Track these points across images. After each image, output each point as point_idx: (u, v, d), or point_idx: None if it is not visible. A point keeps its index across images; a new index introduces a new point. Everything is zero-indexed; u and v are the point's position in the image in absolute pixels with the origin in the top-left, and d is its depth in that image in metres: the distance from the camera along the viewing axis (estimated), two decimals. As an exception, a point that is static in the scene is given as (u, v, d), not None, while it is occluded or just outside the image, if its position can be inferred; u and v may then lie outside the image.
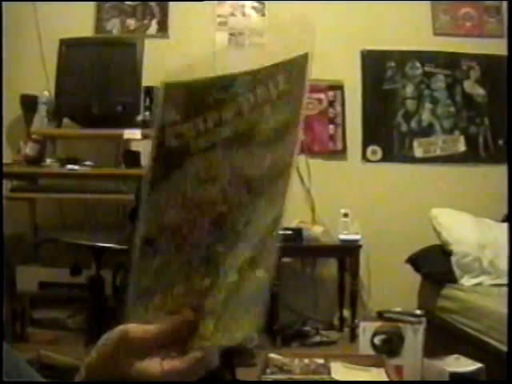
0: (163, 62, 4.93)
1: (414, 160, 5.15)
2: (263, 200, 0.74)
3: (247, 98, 0.72)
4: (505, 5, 5.12)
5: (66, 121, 4.70)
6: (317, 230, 4.69)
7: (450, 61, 5.20)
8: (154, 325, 0.67)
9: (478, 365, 3.10)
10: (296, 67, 0.74)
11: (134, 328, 0.67)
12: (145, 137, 4.39)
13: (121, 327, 0.68)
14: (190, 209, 0.71)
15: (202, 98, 0.72)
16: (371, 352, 3.30)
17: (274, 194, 0.75)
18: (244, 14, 5.17)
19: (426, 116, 5.19)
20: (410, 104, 5.19)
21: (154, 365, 0.66)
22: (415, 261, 4.25)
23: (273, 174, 0.73)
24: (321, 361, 2.99)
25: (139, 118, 4.60)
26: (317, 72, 4.90)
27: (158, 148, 0.72)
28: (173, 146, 0.71)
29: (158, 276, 0.71)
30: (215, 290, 0.70)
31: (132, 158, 4.43)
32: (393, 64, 5.19)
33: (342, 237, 4.63)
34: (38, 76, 4.87)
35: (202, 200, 0.71)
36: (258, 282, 0.73)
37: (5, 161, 4.38)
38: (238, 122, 0.72)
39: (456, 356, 3.22)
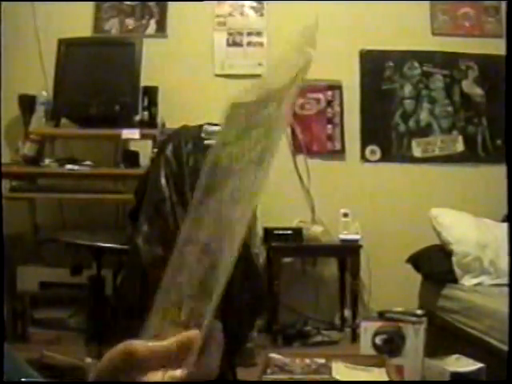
0: (162, 61, 4.93)
1: (412, 160, 5.15)
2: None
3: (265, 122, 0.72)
4: (504, 5, 5.13)
5: (64, 121, 4.69)
6: (317, 229, 4.69)
7: (449, 61, 5.21)
8: (159, 342, 0.66)
9: (479, 365, 3.10)
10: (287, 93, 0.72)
11: (140, 345, 0.66)
12: (143, 136, 4.39)
13: (126, 343, 0.67)
14: (219, 227, 0.70)
15: (249, 117, 0.73)
16: (372, 352, 3.30)
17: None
18: (243, 14, 5.16)
19: (424, 116, 5.19)
20: (409, 104, 5.20)
21: (155, 378, 0.66)
22: (415, 261, 4.25)
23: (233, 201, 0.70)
24: (322, 361, 2.99)
25: (137, 117, 4.59)
26: (315, 72, 4.91)
27: (212, 166, 0.72)
28: (223, 165, 0.71)
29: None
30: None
31: (131, 158, 4.43)
32: (391, 64, 5.19)
33: (342, 236, 4.64)
34: (36, 76, 4.86)
35: (231, 220, 0.70)
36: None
37: (3, 161, 4.37)
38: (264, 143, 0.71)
39: (457, 356, 3.22)
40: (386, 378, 2.87)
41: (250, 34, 5.14)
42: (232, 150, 0.71)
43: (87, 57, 4.65)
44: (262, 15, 5.15)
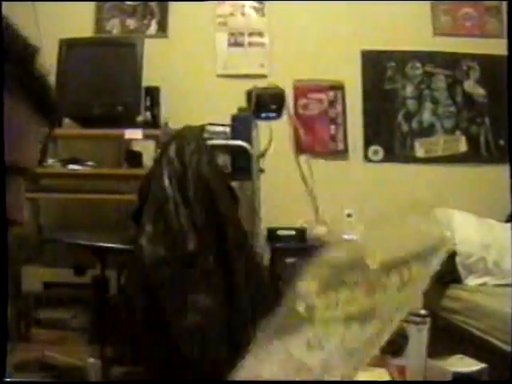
0: (163, 62, 4.93)
1: (415, 160, 5.14)
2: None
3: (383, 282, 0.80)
4: (505, 5, 5.12)
5: (66, 121, 4.68)
6: (320, 230, 4.68)
7: (450, 61, 5.20)
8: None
9: (482, 365, 3.08)
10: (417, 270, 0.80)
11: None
12: (146, 137, 4.39)
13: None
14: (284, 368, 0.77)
15: (339, 274, 0.81)
16: (375, 352, 3.28)
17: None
18: (244, 14, 5.16)
19: (426, 116, 5.19)
20: (411, 104, 5.19)
21: None
22: (418, 261, 4.24)
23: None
24: (325, 361, 2.97)
25: (140, 118, 4.59)
26: (317, 72, 4.91)
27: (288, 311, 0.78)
28: (300, 312, 0.79)
29: None
30: None
31: (134, 158, 4.43)
32: (393, 64, 5.18)
33: (347, 237, 4.61)
34: (37, 76, 4.86)
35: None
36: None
37: (6, 161, 4.36)
38: (366, 301, 0.79)
39: (459, 356, 3.21)
40: (387, 378, 2.85)
41: (251, 34, 5.13)
42: (313, 302, 0.78)
43: (88, 57, 4.64)
44: (263, 15, 5.14)
